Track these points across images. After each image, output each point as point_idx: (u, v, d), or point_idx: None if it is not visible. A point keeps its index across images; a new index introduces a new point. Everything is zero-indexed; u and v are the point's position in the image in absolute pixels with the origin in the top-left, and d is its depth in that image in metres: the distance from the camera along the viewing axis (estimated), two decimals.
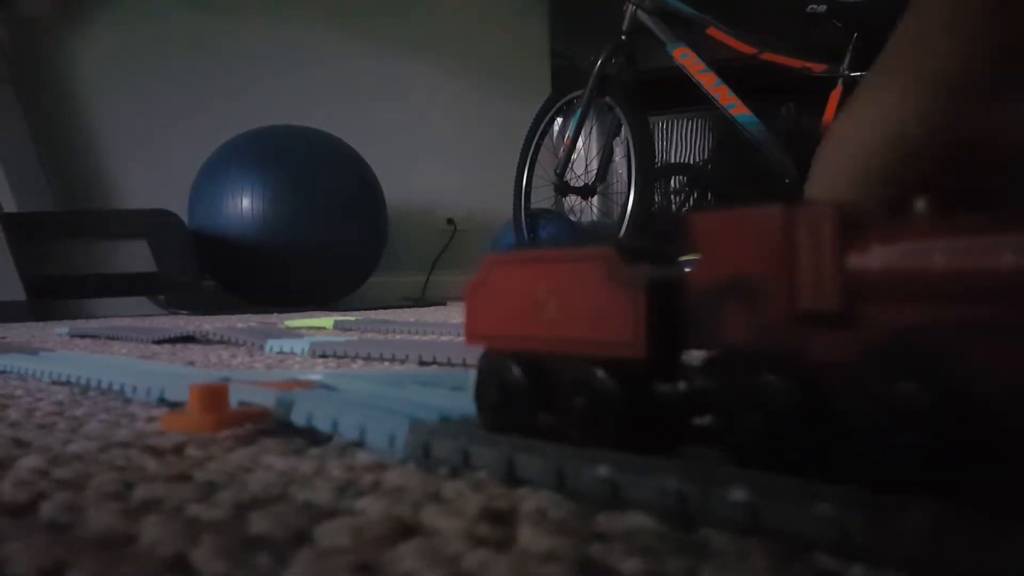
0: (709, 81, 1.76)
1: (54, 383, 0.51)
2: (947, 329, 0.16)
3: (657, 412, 0.22)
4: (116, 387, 0.45)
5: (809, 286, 0.18)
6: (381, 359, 0.65)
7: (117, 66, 2.13)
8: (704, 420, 0.21)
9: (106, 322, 1.35)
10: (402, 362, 0.64)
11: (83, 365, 0.52)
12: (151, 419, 0.37)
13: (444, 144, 2.53)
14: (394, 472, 0.26)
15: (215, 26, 2.23)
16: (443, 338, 0.85)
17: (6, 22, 2.01)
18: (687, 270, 0.21)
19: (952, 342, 0.16)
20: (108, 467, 0.27)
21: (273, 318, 1.42)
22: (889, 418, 0.17)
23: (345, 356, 0.68)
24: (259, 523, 0.20)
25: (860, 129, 0.24)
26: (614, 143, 1.91)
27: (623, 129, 1.82)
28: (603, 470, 0.21)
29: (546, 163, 2.01)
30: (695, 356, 0.21)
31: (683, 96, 1.82)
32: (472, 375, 0.26)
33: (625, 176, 1.81)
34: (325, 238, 1.87)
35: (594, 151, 2.05)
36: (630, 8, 1.85)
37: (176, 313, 1.82)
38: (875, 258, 0.17)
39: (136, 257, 1.80)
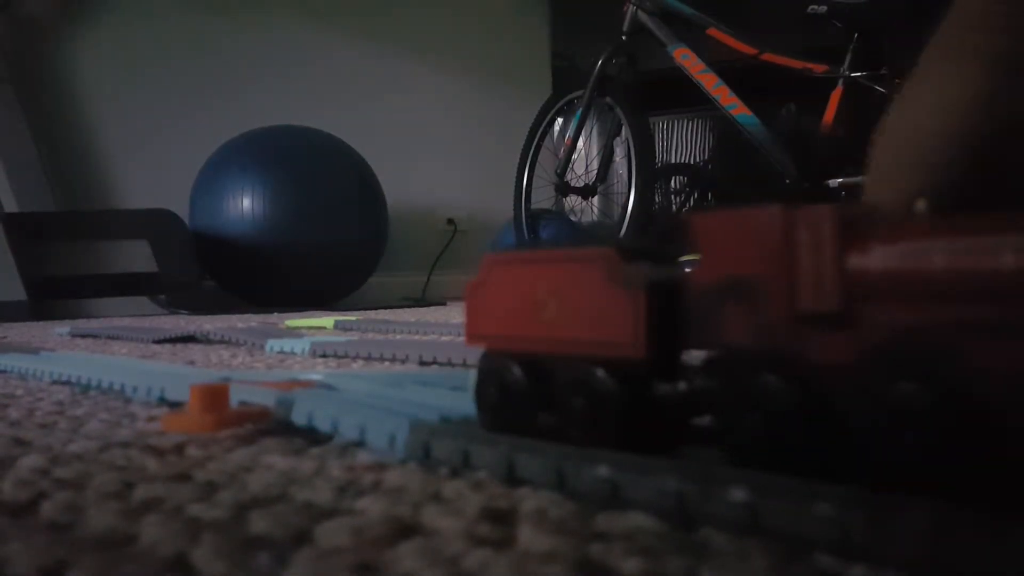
0: (710, 82, 1.76)
1: (55, 383, 0.51)
2: (947, 329, 0.16)
3: (657, 412, 0.22)
4: (117, 387, 0.45)
5: (809, 286, 0.18)
6: (381, 359, 0.65)
7: (117, 66, 2.13)
8: (704, 420, 0.21)
9: (107, 322, 1.35)
10: (402, 362, 0.64)
11: (84, 365, 0.52)
12: (151, 419, 0.37)
13: (444, 144, 2.53)
14: (394, 472, 0.26)
15: (215, 26, 2.23)
16: (443, 338, 0.85)
17: (6, 22, 2.01)
18: (687, 270, 0.21)
19: (952, 342, 0.16)
20: (108, 467, 0.27)
21: (273, 318, 1.41)
22: (889, 418, 0.17)
23: (345, 356, 0.68)
24: (259, 523, 0.21)
25: (917, 113, 0.23)
26: (614, 143, 1.91)
27: (623, 129, 1.81)
28: (603, 470, 0.21)
29: (546, 163, 2.01)
30: (695, 356, 0.21)
31: (683, 96, 1.82)
32: (472, 375, 0.26)
33: (625, 176, 1.81)
34: (325, 238, 1.87)
35: (594, 151, 2.05)
36: (630, 9, 1.85)
37: (176, 313, 1.82)
38: (875, 258, 0.17)
39: (137, 257, 1.80)
